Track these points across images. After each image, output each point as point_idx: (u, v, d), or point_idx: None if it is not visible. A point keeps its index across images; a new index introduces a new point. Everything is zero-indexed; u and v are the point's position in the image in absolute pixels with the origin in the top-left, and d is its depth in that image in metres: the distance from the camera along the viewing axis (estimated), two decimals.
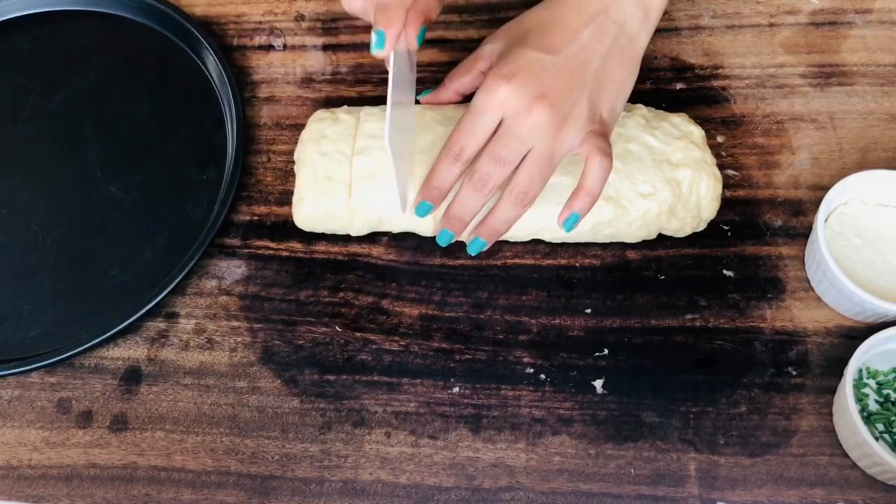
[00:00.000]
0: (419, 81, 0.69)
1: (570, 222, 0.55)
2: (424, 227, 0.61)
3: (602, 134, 0.54)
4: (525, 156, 0.54)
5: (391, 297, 0.61)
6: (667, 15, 0.71)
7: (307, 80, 0.71)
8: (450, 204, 0.57)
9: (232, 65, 0.70)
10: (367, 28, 0.72)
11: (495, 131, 0.54)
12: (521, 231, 0.60)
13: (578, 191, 0.54)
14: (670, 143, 0.59)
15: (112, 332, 0.59)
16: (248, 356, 0.60)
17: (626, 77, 0.56)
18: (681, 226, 0.60)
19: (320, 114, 0.64)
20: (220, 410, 0.59)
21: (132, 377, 0.60)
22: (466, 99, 0.65)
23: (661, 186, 0.59)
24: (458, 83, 0.61)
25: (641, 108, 0.62)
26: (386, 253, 0.63)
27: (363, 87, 0.70)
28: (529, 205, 0.55)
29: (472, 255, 0.58)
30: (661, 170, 0.59)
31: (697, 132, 0.61)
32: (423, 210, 0.57)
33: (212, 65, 0.70)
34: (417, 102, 0.64)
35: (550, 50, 0.54)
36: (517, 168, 0.54)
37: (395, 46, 0.52)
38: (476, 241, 0.57)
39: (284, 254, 0.64)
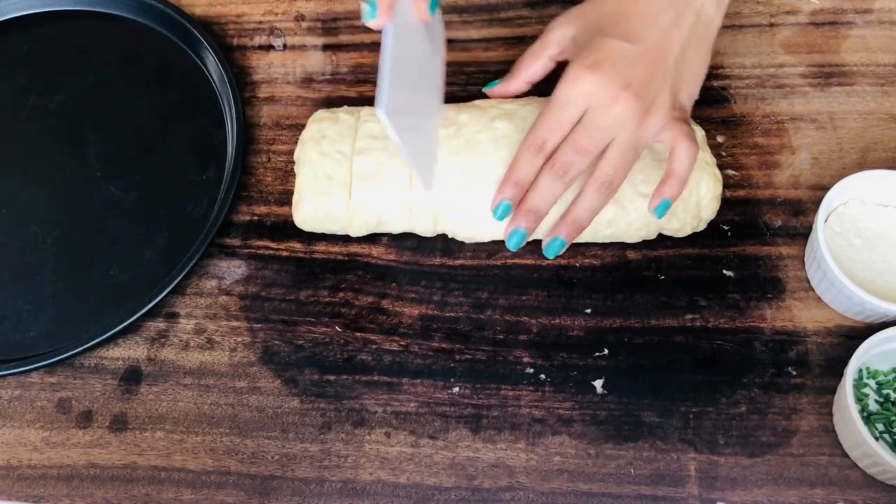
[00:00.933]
0: None
1: (662, 209, 0.55)
2: (423, 228, 0.61)
3: (684, 120, 0.55)
4: (608, 145, 0.54)
5: (391, 297, 0.61)
6: None
7: (307, 80, 0.71)
8: (524, 197, 0.55)
9: (232, 65, 0.70)
10: (368, 28, 0.72)
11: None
12: None
13: (668, 177, 0.55)
14: None
15: (112, 332, 0.59)
16: (248, 356, 0.60)
17: (702, 63, 0.57)
18: (681, 226, 0.60)
19: (320, 114, 0.64)
20: (220, 410, 0.59)
21: (132, 377, 0.60)
22: (465, 98, 0.65)
23: None
24: (528, 72, 0.60)
25: None
26: (386, 253, 0.63)
27: (363, 87, 0.70)
28: (613, 194, 0.55)
29: (550, 258, 0.57)
30: (661, 169, 0.59)
31: (697, 132, 0.61)
32: (502, 211, 0.55)
33: (212, 65, 0.70)
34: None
35: (631, 38, 0.53)
36: (599, 158, 0.54)
37: (389, 15, 0.50)
38: (555, 241, 0.55)
39: (284, 254, 0.64)
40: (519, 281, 0.61)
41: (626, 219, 0.59)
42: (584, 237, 0.60)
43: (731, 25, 0.70)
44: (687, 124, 0.55)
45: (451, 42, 0.71)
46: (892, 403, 0.55)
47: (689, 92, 0.56)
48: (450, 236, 0.62)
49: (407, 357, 0.59)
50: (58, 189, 0.67)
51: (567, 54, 0.58)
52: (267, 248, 0.64)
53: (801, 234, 0.61)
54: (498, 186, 0.56)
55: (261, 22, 0.74)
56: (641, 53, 0.53)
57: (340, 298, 0.62)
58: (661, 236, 0.61)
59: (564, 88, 0.53)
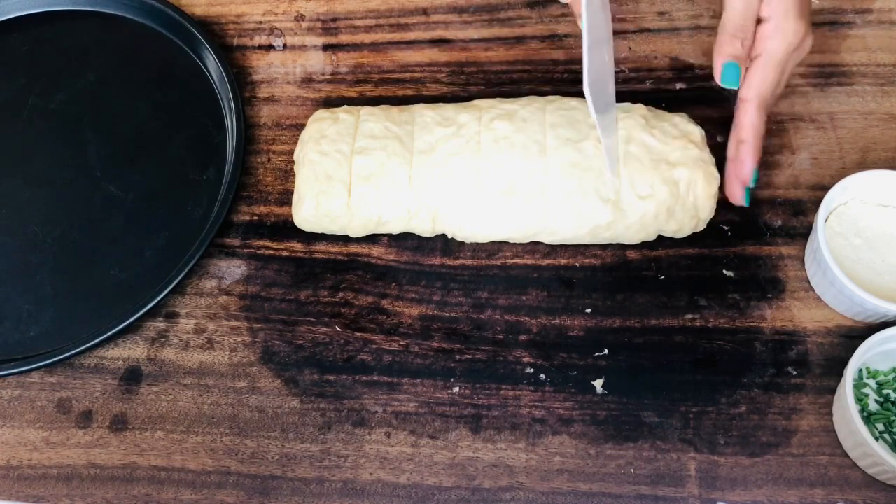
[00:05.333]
0: (417, 81, 0.70)
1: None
2: (423, 228, 0.61)
3: None
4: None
5: (391, 297, 0.61)
6: (667, 15, 0.71)
7: (307, 80, 0.71)
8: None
9: (232, 65, 0.70)
10: (368, 29, 0.72)
11: None
12: (519, 233, 0.60)
13: None
14: (668, 143, 0.59)
15: (112, 332, 0.59)
16: (248, 356, 0.60)
17: None
18: (679, 227, 0.60)
19: (320, 113, 0.64)
20: (220, 410, 0.59)
21: (132, 377, 0.60)
22: (464, 98, 0.65)
23: (658, 187, 0.58)
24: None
25: (641, 108, 0.61)
26: (386, 253, 0.63)
27: (363, 87, 0.70)
28: None
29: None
30: (659, 170, 0.59)
31: (697, 131, 0.60)
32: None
33: (212, 65, 0.70)
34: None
35: None
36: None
37: None
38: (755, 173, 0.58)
39: (284, 254, 0.64)
40: (519, 281, 0.61)
41: (624, 222, 0.59)
42: (582, 239, 0.60)
43: None
44: None
45: (450, 42, 0.71)
46: (892, 403, 0.55)
47: None
48: (449, 236, 0.62)
49: (407, 357, 0.59)
50: (58, 189, 0.67)
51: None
52: (267, 248, 0.64)
53: (801, 234, 0.61)
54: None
55: (261, 22, 0.74)
56: None
57: (340, 298, 0.62)
58: (661, 236, 0.61)
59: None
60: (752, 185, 0.59)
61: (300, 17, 0.74)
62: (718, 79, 0.57)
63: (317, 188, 0.61)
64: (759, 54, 0.57)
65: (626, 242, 0.61)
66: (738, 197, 0.60)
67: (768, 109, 0.58)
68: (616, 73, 0.68)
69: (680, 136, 0.60)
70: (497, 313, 0.60)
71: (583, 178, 0.58)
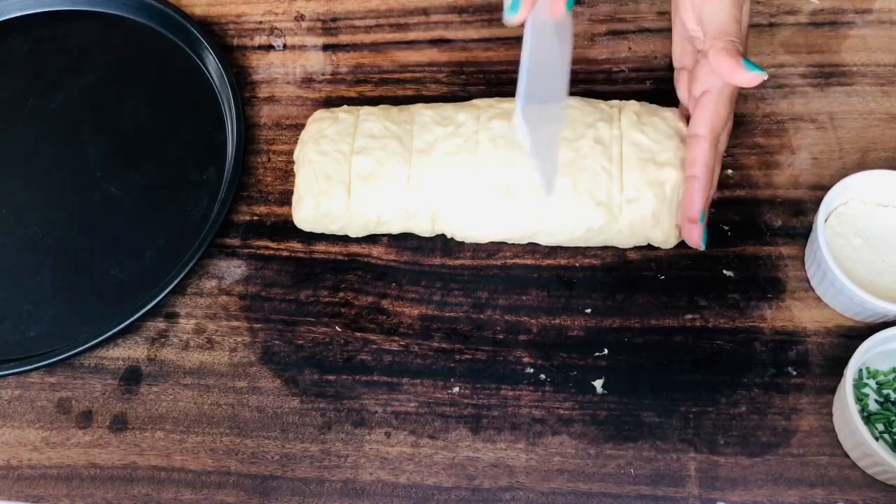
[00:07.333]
0: (417, 81, 0.69)
1: None
2: (422, 228, 0.61)
3: None
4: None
5: (391, 297, 0.61)
6: (667, 15, 0.71)
7: (307, 80, 0.71)
8: None
9: (232, 65, 0.70)
10: (368, 29, 0.72)
11: None
12: (516, 233, 0.60)
13: None
14: (660, 141, 0.59)
15: (112, 332, 0.59)
16: (248, 356, 0.60)
17: None
18: (665, 237, 0.59)
19: (320, 113, 0.64)
20: (220, 410, 0.59)
21: (132, 377, 0.60)
22: (464, 98, 0.65)
23: (643, 190, 0.58)
24: None
25: (633, 104, 0.61)
26: (386, 253, 0.63)
27: (363, 87, 0.70)
28: None
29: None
30: (646, 171, 0.58)
31: (682, 127, 0.60)
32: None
33: (212, 65, 0.70)
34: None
35: None
36: None
37: (530, 11, 0.49)
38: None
39: (284, 254, 0.64)
40: (519, 281, 0.61)
41: (615, 227, 0.59)
42: (578, 242, 0.60)
43: None
44: None
45: (450, 42, 0.71)
46: (892, 403, 0.55)
47: None
48: (448, 236, 0.62)
49: (407, 357, 0.59)
50: (58, 189, 0.67)
51: None
52: (267, 248, 0.64)
53: (801, 234, 0.61)
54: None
55: (261, 22, 0.74)
56: None
57: (340, 298, 0.62)
58: None
59: None
60: (699, 222, 0.56)
61: (300, 17, 0.74)
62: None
63: (316, 188, 0.61)
64: (708, 90, 0.56)
65: (621, 246, 0.61)
66: (694, 238, 0.57)
67: (721, 145, 0.57)
68: (616, 72, 0.68)
69: (673, 133, 0.59)
70: (497, 313, 0.60)
71: (577, 177, 0.58)
